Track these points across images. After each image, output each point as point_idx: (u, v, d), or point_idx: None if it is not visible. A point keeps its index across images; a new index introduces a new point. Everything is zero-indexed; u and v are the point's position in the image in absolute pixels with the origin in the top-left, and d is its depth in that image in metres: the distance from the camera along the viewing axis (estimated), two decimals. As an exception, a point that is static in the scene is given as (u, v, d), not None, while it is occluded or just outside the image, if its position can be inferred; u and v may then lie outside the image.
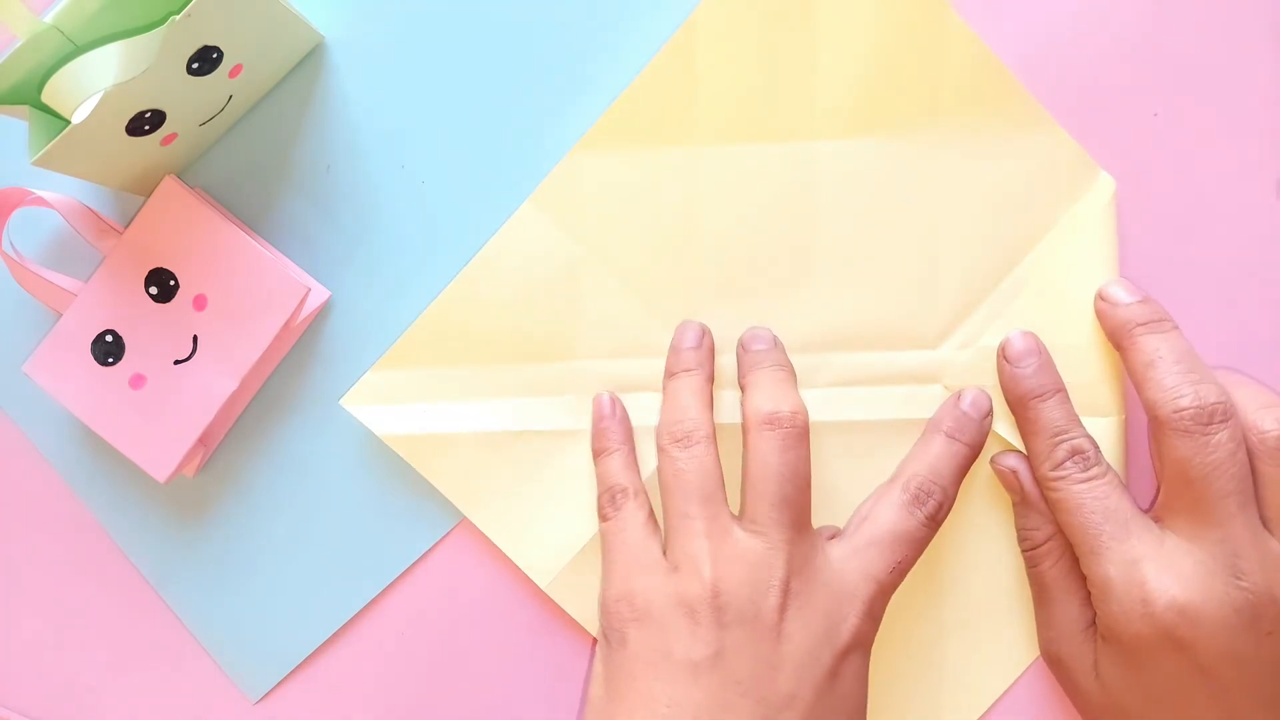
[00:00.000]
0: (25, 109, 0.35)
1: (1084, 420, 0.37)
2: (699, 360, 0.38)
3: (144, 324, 0.39)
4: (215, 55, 0.35)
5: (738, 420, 0.38)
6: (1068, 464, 0.35)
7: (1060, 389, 0.36)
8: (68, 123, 0.34)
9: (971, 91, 0.38)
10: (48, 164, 0.34)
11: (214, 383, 0.38)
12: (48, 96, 0.35)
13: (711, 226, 0.39)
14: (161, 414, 0.39)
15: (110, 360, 0.39)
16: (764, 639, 0.33)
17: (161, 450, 0.39)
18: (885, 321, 0.38)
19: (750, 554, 0.34)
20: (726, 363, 0.39)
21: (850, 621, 0.34)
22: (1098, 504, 0.34)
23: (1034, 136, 0.38)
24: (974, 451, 0.37)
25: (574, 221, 0.39)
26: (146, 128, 0.36)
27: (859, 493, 0.38)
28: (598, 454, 0.39)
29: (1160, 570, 0.33)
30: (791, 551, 0.34)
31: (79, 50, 0.35)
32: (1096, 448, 0.36)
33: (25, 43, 0.34)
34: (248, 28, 0.36)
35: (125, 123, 0.35)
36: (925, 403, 0.38)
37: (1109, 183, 0.38)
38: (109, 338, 0.39)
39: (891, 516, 0.35)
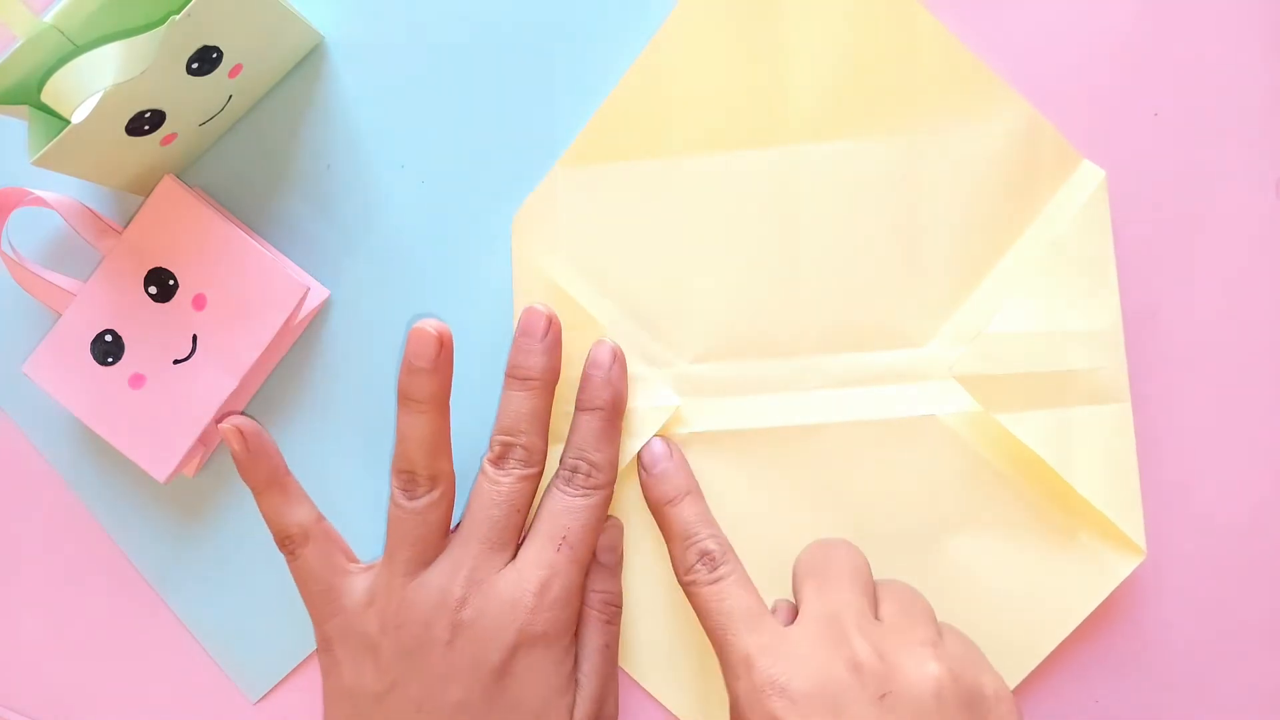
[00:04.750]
0: (25, 109, 0.35)
1: (1086, 409, 0.36)
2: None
3: (143, 324, 0.39)
4: (215, 55, 0.35)
5: (750, 426, 0.38)
6: (698, 567, 0.36)
7: (691, 490, 0.37)
8: (68, 123, 0.34)
9: (946, 86, 0.38)
10: (47, 164, 0.34)
11: (214, 382, 0.38)
12: (48, 96, 0.35)
13: (694, 236, 0.39)
14: (161, 414, 0.39)
15: (110, 360, 0.39)
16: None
17: (161, 450, 0.39)
18: (871, 322, 0.38)
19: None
20: (732, 369, 0.39)
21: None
22: (722, 605, 0.35)
23: (1012, 127, 0.38)
24: (615, 411, 0.37)
25: (556, 239, 0.39)
26: (146, 128, 0.36)
27: (854, 495, 0.38)
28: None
29: (774, 659, 0.33)
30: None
31: (79, 50, 0.35)
32: (725, 546, 0.36)
33: (25, 43, 0.34)
34: (247, 28, 0.36)
35: (125, 123, 0.35)
36: (914, 401, 0.38)
37: (1097, 173, 0.38)
38: (108, 337, 0.39)
39: (546, 502, 0.37)
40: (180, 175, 0.40)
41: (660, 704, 0.39)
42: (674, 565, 0.37)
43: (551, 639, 0.35)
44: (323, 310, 0.41)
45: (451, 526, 0.37)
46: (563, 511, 0.36)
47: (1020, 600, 0.38)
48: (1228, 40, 0.38)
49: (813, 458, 0.38)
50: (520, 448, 0.36)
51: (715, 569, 0.36)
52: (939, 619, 0.37)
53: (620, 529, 0.39)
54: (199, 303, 0.38)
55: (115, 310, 0.39)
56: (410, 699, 0.35)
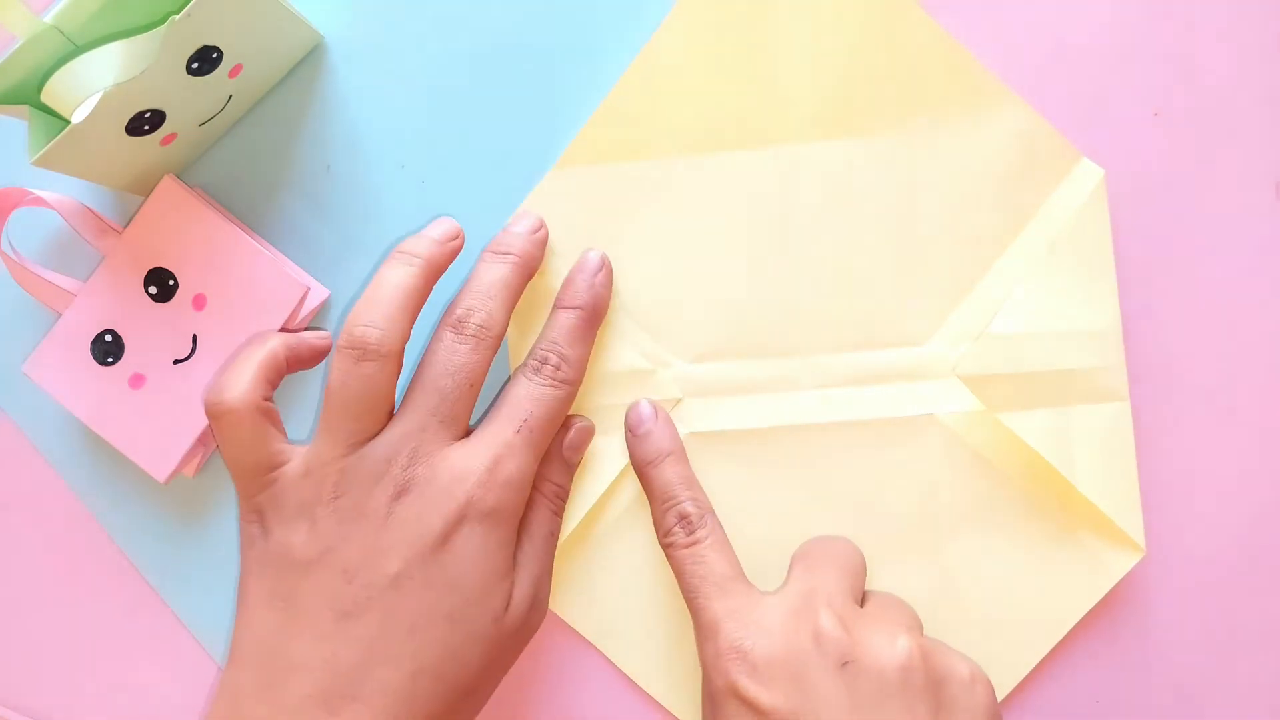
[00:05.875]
0: (25, 109, 0.35)
1: (1085, 408, 0.37)
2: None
3: (143, 323, 0.39)
4: (215, 55, 0.35)
5: (767, 424, 0.38)
6: (675, 529, 0.36)
7: (673, 452, 0.37)
8: (68, 123, 0.34)
9: (943, 85, 0.38)
10: (47, 164, 0.34)
11: (214, 382, 0.38)
12: (48, 96, 0.35)
13: (692, 236, 0.39)
14: (161, 414, 0.39)
15: (110, 360, 0.39)
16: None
17: (161, 450, 0.39)
18: (870, 321, 0.38)
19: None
20: (732, 369, 0.39)
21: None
22: (697, 568, 0.35)
23: (1009, 125, 0.38)
24: (593, 313, 0.37)
25: (554, 239, 0.39)
26: (146, 128, 0.36)
27: (854, 494, 0.38)
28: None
29: (740, 625, 0.34)
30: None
31: (79, 50, 0.35)
32: (704, 509, 0.36)
33: (25, 43, 0.34)
34: (247, 28, 0.36)
35: (125, 123, 0.35)
36: (914, 400, 0.38)
37: (1095, 171, 0.38)
38: (108, 337, 0.39)
39: (509, 388, 0.36)
40: (180, 175, 0.40)
41: (647, 693, 0.39)
42: (655, 526, 0.37)
43: (498, 519, 0.34)
44: (323, 310, 0.41)
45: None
46: (527, 397, 0.35)
47: (1020, 599, 0.38)
48: (1228, 40, 0.38)
49: (812, 457, 0.38)
50: (482, 312, 0.35)
51: (693, 532, 0.36)
52: (938, 618, 0.37)
53: (591, 433, 0.38)
54: (199, 303, 0.38)
55: (115, 310, 0.39)
56: (341, 568, 0.32)
